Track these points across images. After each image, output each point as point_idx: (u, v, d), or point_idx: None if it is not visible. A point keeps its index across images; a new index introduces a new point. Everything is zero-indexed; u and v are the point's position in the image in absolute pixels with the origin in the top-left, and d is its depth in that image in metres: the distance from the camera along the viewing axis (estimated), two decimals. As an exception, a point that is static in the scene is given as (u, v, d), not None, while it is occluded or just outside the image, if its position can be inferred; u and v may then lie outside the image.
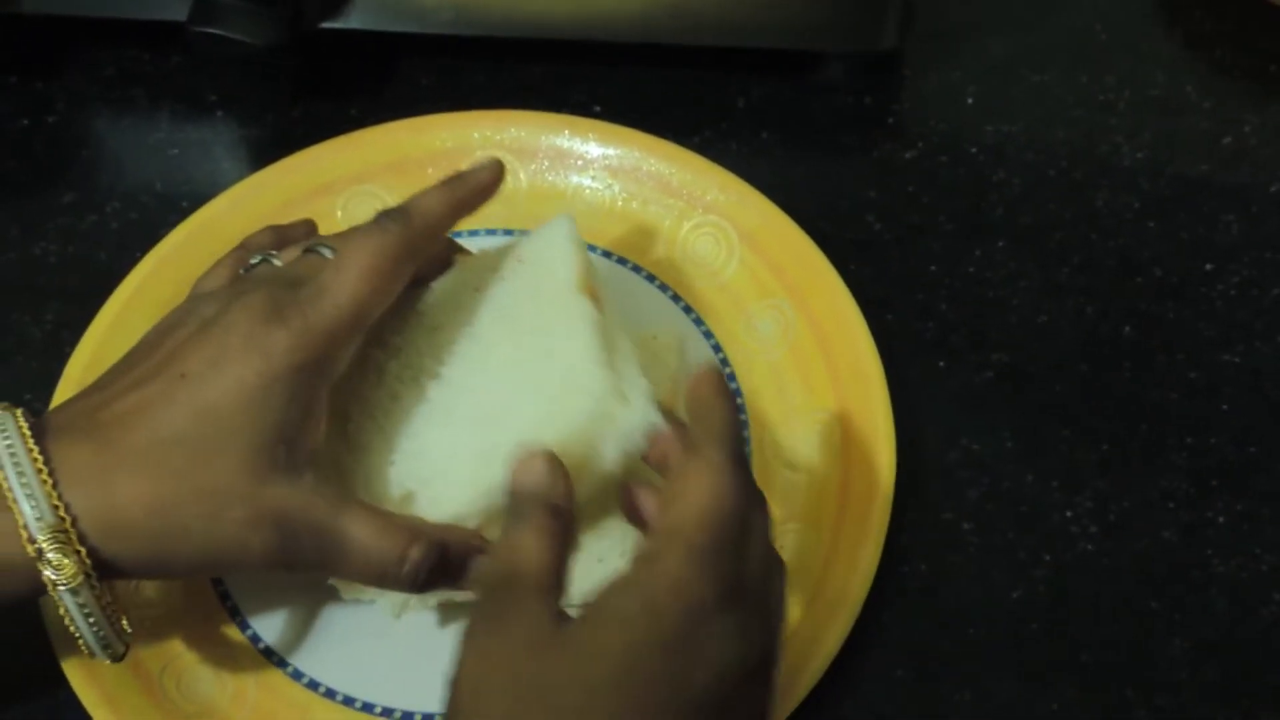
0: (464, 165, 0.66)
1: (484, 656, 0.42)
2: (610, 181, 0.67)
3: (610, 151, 0.67)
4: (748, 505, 0.45)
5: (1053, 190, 0.70)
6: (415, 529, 0.49)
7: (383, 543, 0.49)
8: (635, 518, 0.49)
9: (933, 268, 0.67)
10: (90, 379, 0.59)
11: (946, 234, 0.68)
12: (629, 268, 0.65)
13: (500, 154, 0.67)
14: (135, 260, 0.64)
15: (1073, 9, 0.77)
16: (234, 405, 0.47)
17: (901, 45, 0.72)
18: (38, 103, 0.73)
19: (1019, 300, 0.66)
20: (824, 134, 0.72)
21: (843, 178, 0.70)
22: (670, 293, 0.65)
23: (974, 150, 0.71)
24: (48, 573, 0.46)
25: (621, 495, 0.50)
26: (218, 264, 0.55)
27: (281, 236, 0.57)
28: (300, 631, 0.56)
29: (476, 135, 0.68)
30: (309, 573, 0.52)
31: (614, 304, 0.55)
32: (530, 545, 0.44)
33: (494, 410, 0.53)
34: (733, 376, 0.62)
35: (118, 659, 0.49)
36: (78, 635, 0.48)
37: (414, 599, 0.54)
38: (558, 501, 0.46)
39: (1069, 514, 0.59)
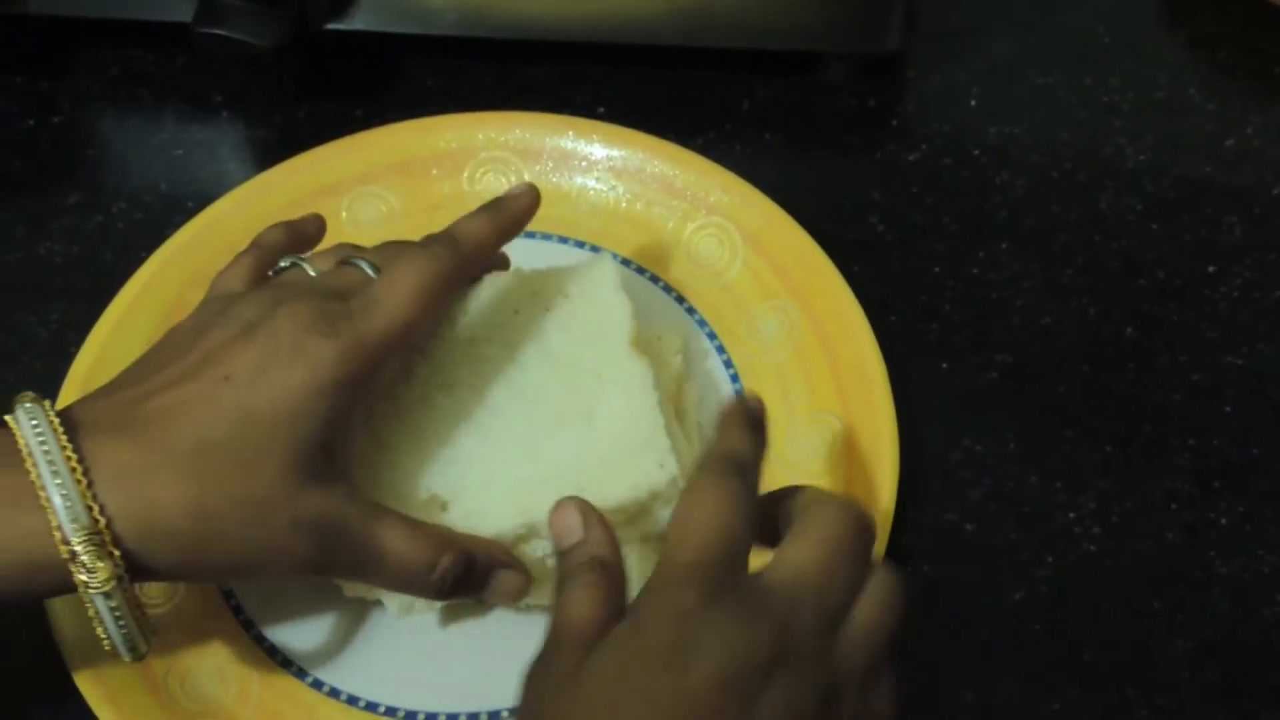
0: (468, 166, 0.68)
1: (528, 702, 0.43)
2: (614, 183, 0.67)
3: (614, 153, 0.68)
4: (741, 523, 0.43)
5: (1056, 192, 0.70)
6: (445, 538, 0.50)
7: (415, 551, 0.50)
8: None
9: (936, 269, 0.67)
10: (96, 379, 0.59)
11: (950, 235, 0.68)
12: (633, 269, 0.65)
13: (504, 155, 0.68)
14: (140, 260, 0.64)
15: (1076, 11, 0.77)
16: (278, 413, 0.47)
17: (905, 47, 0.72)
18: (43, 103, 0.73)
19: (1022, 301, 0.66)
20: (827, 135, 0.72)
21: (846, 179, 0.70)
22: (674, 294, 0.65)
23: (977, 152, 0.71)
24: (80, 575, 0.45)
25: None
26: (235, 262, 0.55)
27: (295, 233, 0.57)
28: (305, 631, 0.56)
29: (481, 136, 0.68)
30: (339, 579, 0.53)
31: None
32: (579, 602, 0.44)
33: (535, 440, 0.54)
34: (736, 377, 0.62)
35: (140, 658, 0.48)
36: (104, 636, 0.47)
37: (420, 601, 0.54)
38: (602, 554, 0.46)
39: (1071, 514, 0.59)
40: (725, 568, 0.42)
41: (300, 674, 0.55)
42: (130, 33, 0.73)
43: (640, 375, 0.55)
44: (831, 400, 0.60)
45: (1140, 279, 0.66)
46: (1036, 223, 0.68)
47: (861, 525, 0.44)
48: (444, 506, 0.53)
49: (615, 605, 0.44)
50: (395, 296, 0.50)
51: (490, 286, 0.58)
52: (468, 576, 0.51)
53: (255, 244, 0.56)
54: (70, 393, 0.60)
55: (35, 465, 0.45)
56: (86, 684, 0.52)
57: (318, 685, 0.55)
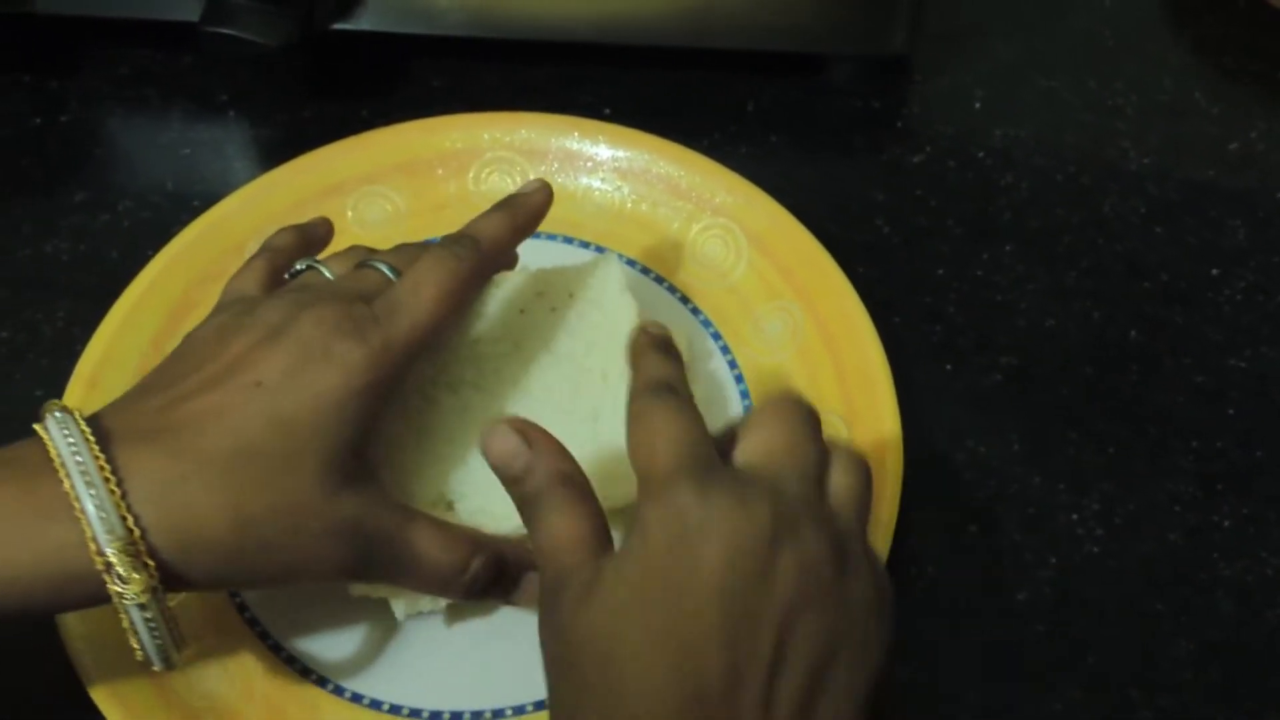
0: (474, 166, 0.68)
1: (553, 644, 0.43)
2: (619, 183, 0.68)
3: (620, 154, 0.68)
4: (697, 424, 0.44)
5: (1060, 194, 0.70)
6: (476, 540, 0.51)
7: (448, 554, 0.50)
8: None
9: (940, 270, 0.67)
10: (102, 376, 0.60)
11: (954, 237, 0.68)
12: (638, 269, 0.65)
13: (510, 155, 0.68)
14: (147, 259, 0.64)
15: (1081, 14, 0.77)
16: (311, 418, 0.47)
17: (910, 49, 0.72)
18: (51, 102, 0.73)
19: (1026, 303, 0.66)
20: (832, 137, 0.73)
21: (851, 181, 0.71)
22: (679, 294, 0.65)
23: (982, 154, 0.71)
24: (115, 586, 0.44)
25: None
26: (247, 266, 0.55)
27: (305, 236, 0.57)
28: (309, 629, 0.56)
29: (487, 137, 0.68)
30: (372, 583, 0.52)
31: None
32: (558, 524, 0.44)
33: None
34: (740, 378, 0.62)
35: (172, 668, 0.48)
36: (137, 647, 0.46)
37: (425, 601, 0.54)
38: (561, 467, 0.45)
39: (1075, 516, 0.59)
40: (702, 463, 0.42)
41: (304, 672, 0.55)
42: (138, 32, 0.73)
43: None
44: (836, 401, 0.60)
45: (1144, 282, 0.67)
46: (1041, 225, 0.69)
47: (802, 404, 0.45)
48: (450, 506, 0.53)
49: (595, 512, 0.44)
50: (420, 298, 0.50)
51: (496, 286, 0.58)
52: (499, 579, 0.51)
53: (266, 248, 0.56)
54: (76, 390, 0.60)
55: (68, 476, 0.44)
56: (90, 678, 0.52)
57: (322, 683, 0.55)
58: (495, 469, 0.45)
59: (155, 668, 0.47)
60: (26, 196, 0.70)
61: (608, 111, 0.72)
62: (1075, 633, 0.57)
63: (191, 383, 0.48)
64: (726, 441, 0.45)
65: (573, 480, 0.45)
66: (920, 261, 0.67)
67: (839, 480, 0.44)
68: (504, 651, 0.55)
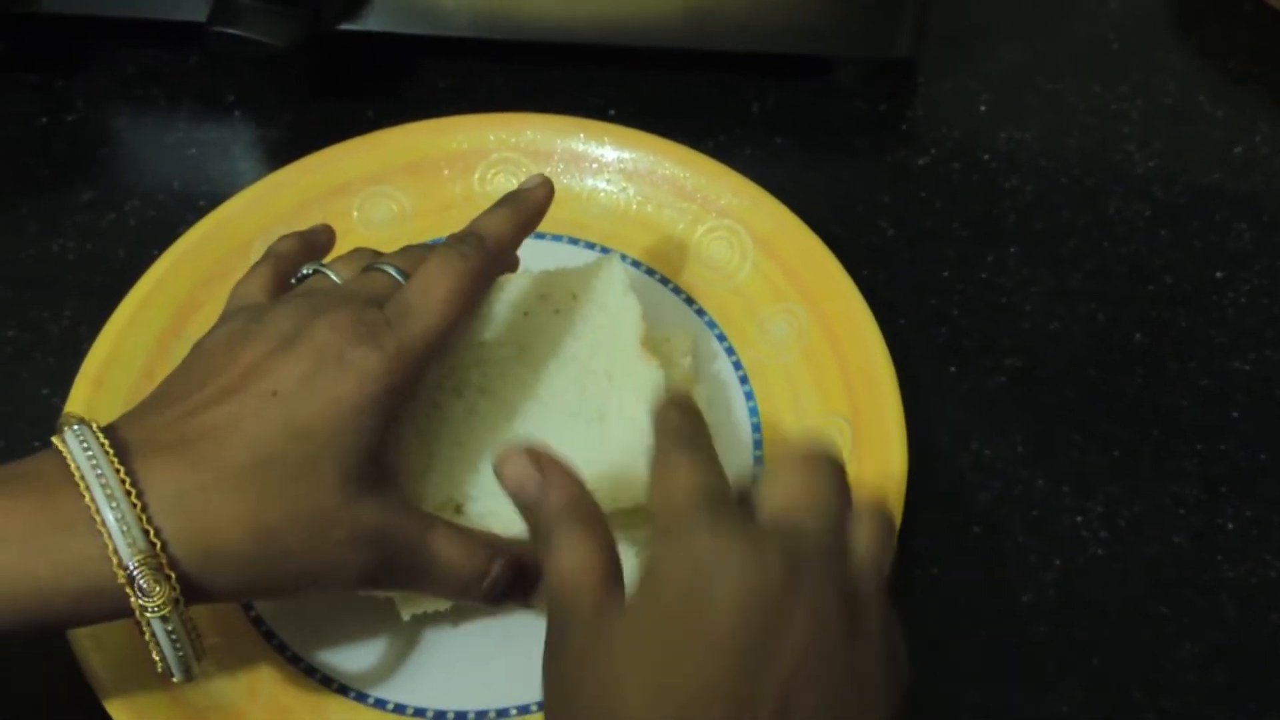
0: (479, 167, 0.68)
1: (556, 681, 0.43)
2: (625, 185, 0.68)
3: (625, 155, 0.68)
4: (717, 472, 0.44)
5: (1065, 197, 0.70)
6: (495, 546, 0.50)
7: (468, 559, 0.49)
8: None
9: (945, 273, 0.67)
10: (108, 375, 0.60)
11: (959, 239, 0.68)
12: (643, 271, 0.66)
13: (516, 156, 0.68)
14: (153, 258, 0.64)
15: (1086, 18, 0.77)
16: (329, 426, 0.47)
17: (915, 52, 0.72)
18: (57, 101, 0.73)
19: (1031, 306, 0.66)
20: (838, 139, 0.73)
21: (856, 183, 0.71)
22: (684, 296, 0.65)
23: (987, 157, 0.71)
24: (137, 599, 0.44)
25: None
26: (253, 272, 0.55)
27: (308, 243, 0.57)
28: (315, 628, 0.56)
29: (492, 138, 0.68)
30: (392, 590, 0.52)
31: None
32: (573, 552, 0.43)
33: (549, 442, 0.54)
34: (745, 379, 0.62)
35: (192, 679, 0.48)
36: (158, 659, 0.46)
37: (431, 600, 0.54)
38: (575, 493, 0.45)
39: (1079, 518, 0.60)
40: (719, 509, 0.42)
41: (310, 671, 0.55)
42: (144, 32, 0.73)
43: (651, 376, 0.55)
44: (841, 403, 0.60)
45: (1149, 284, 0.67)
46: (1045, 228, 0.69)
47: (828, 457, 0.44)
48: (458, 509, 0.53)
49: (607, 544, 0.44)
50: (431, 301, 0.50)
51: (499, 289, 0.58)
52: (518, 583, 0.50)
53: (269, 254, 0.56)
54: (82, 389, 0.60)
55: (89, 489, 0.44)
56: (97, 678, 0.52)
57: (327, 682, 0.55)
58: (509, 494, 0.45)
59: (175, 679, 0.47)
60: (33, 196, 0.70)
61: (613, 113, 0.72)
62: (1079, 634, 0.57)
63: (206, 393, 0.47)
64: (748, 492, 0.45)
65: (585, 509, 0.44)
66: (925, 263, 0.67)
67: (861, 540, 0.43)
68: (509, 651, 0.55)
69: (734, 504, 0.43)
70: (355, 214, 0.67)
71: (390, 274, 0.52)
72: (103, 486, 0.44)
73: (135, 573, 0.44)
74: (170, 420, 0.47)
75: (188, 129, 0.72)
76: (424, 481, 0.53)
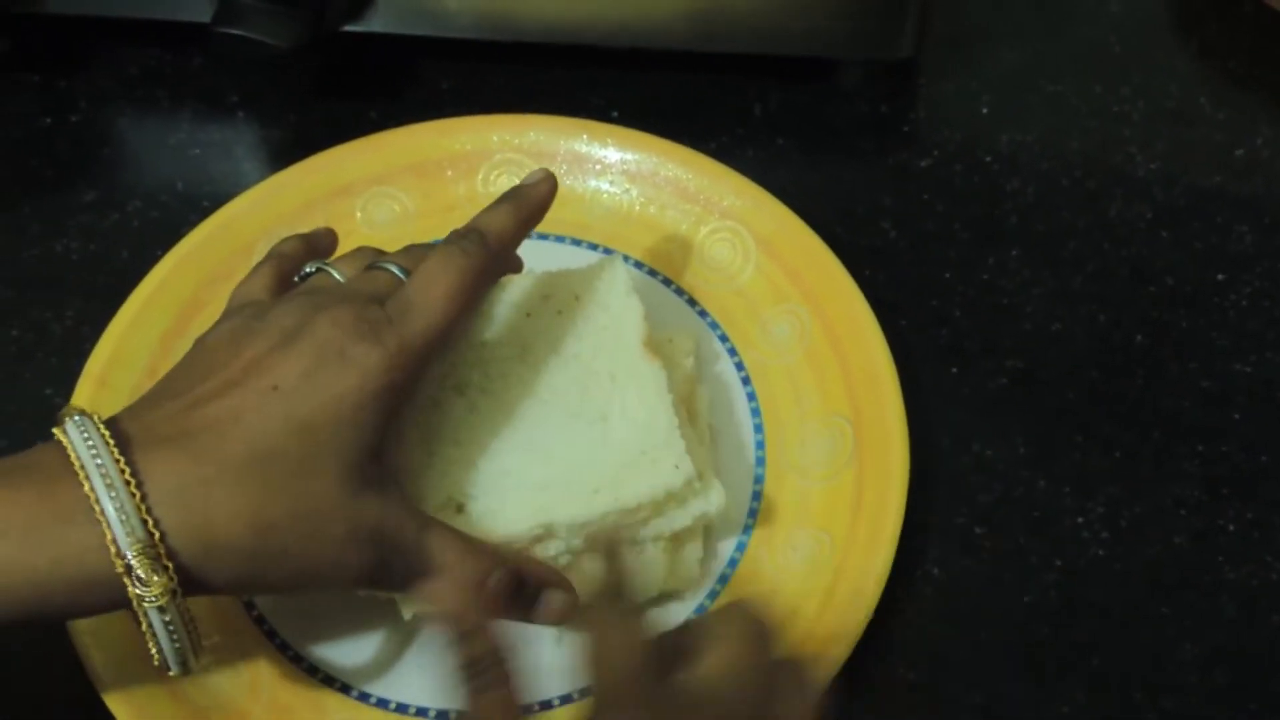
0: (483, 168, 0.68)
1: None
2: (628, 186, 0.68)
3: (628, 156, 0.68)
4: (647, 644, 0.43)
5: (1066, 199, 0.70)
6: (495, 555, 0.50)
7: (466, 566, 0.49)
8: None
9: (947, 274, 0.67)
10: (111, 376, 0.60)
11: (961, 241, 0.68)
12: (645, 271, 0.66)
13: (519, 157, 0.68)
14: (156, 259, 0.64)
15: (1088, 20, 0.77)
16: (330, 422, 0.47)
17: (918, 54, 0.72)
18: (61, 101, 0.73)
19: (1032, 307, 0.66)
20: (840, 141, 0.73)
21: (858, 184, 0.71)
22: (686, 297, 0.65)
23: (989, 158, 0.71)
24: (135, 589, 0.44)
25: None
26: (255, 272, 0.55)
27: (310, 245, 0.57)
28: (316, 626, 0.56)
29: (496, 139, 0.68)
30: (388, 591, 0.52)
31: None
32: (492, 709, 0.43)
33: (550, 442, 0.55)
34: (748, 380, 0.62)
35: (189, 673, 0.48)
36: (155, 651, 0.46)
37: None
38: (494, 647, 0.43)
39: (1080, 519, 0.60)
40: (648, 685, 0.42)
41: (311, 670, 0.55)
42: (148, 32, 0.73)
43: (654, 377, 0.55)
44: (842, 404, 0.60)
45: (1150, 286, 0.67)
46: (1047, 229, 0.69)
47: (758, 621, 0.44)
48: (460, 508, 0.53)
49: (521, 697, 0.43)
50: (432, 297, 0.50)
51: (502, 290, 0.58)
52: (517, 596, 0.50)
53: (272, 254, 0.56)
54: (85, 389, 0.60)
55: (88, 479, 0.44)
56: (100, 677, 0.53)
57: (329, 681, 0.55)
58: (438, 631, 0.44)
59: (172, 672, 0.47)
60: (36, 196, 0.70)
61: (616, 114, 0.72)
62: (1079, 635, 0.57)
63: (208, 387, 0.47)
64: (680, 639, 0.44)
65: (503, 663, 0.43)
66: (927, 265, 0.67)
67: (788, 710, 0.43)
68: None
69: (659, 676, 0.43)
70: (358, 214, 0.67)
71: (393, 272, 0.52)
72: (103, 477, 0.44)
73: (133, 562, 0.44)
74: (171, 413, 0.47)
75: (191, 129, 0.73)
76: (424, 480, 0.53)
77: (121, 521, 0.44)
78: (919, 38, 0.71)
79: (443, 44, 0.72)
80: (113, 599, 0.45)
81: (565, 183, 0.67)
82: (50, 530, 0.44)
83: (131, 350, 0.61)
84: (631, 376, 0.56)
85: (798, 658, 0.45)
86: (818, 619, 0.54)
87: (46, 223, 0.69)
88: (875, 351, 0.61)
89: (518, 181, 0.66)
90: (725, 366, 0.63)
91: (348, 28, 0.70)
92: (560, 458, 0.54)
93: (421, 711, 0.54)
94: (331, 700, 0.54)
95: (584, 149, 0.68)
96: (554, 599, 0.51)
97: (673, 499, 0.53)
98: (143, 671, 0.53)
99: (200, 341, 0.51)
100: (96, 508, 0.44)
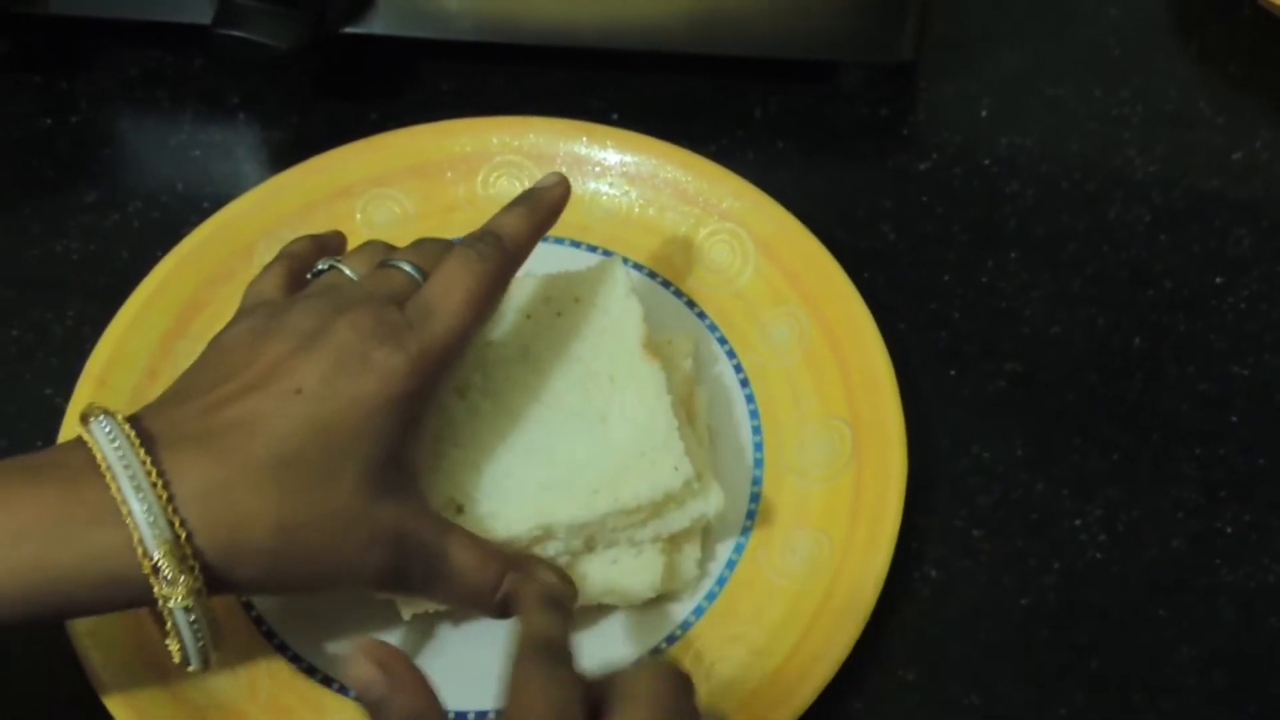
0: (482, 170, 0.68)
1: None
2: (627, 188, 0.68)
3: (628, 158, 0.68)
4: (575, 700, 0.42)
5: (1066, 202, 0.70)
6: (508, 559, 0.50)
7: (482, 570, 0.50)
8: None
9: (946, 277, 0.67)
10: (111, 376, 0.60)
11: (960, 244, 0.68)
12: (645, 273, 0.66)
13: (519, 159, 0.68)
14: (156, 259, 0.64)
15: (1087, 23, 0.78)
16: (351, 426, 0.47)
17: (917, 57, 0.72)
18: (62, 102, 0.74)
19: (1031, 310, 0.66)
20: (840, 143, 0.73)
21: (858, 187, 0.71)
22: (685, 299, 0.65)
23: (988, 161, 0.71)
24: (161, 589, 0.44)
25: None
26: (267, 270, 0.55)
27: (320, 245, 0.57)
28: (316, 628, 0.56)
29: (496, 140, 0.68)
30: (405, 594, 0.52)
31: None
32: None
33: (550, 443, 0.55)
34: (746, 382, 0.62)
35: (207, 668, 0.48)
36: (178, 649, 0.47)
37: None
38: (414, 703, 0.42)
39: (1079, 522, 0.60)
40: None
41: (311, 671, 0.55)
42: (149, 33, 0.73)
43: (653, 378, 0.55)
44: (841, 406, 0.60)
45: (1149, 289, 0.67)
46: (1046, 232, 0.69)
47: (677, 677, 0.44)
48: (460, 509, 0.54)
49: None
50: (452, 303, 0.50)
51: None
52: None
53: (283, 254, 0.56)
54: (85, 389, 0.60)
55: (115, 479, 0.44)
56: (99, 678, 0.53)
57: (328, 682, 0.55)
58: (355, 689, 0.43)
59: (192, 668, 0.47)
60: (36, 196, 0.70)
61: (616, 116, 0.72)
62: (1078, 637, 0.57)
63: (229, 388, 0.48)
64: (598, 692, 0.43)
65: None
66: (926, 268, 0.67)
67: None
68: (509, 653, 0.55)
69: None
70: (359, 216, 0.67)
71: (407, 271, 0.52)
72: (130, 477, 0.44)
73: (160, 563, 0.44)
74: (193, 413, 0.47)
75: (191, 131, 0.73)
76: (426, 481, 0.54)
77: (150, 522, 0.44)
78: (919, 41, 0.71)
79: (443, 46, 0.72)
80: (138, 598, 0.45)
81: (565, 185, 0.67)
82: (76, 530, 0.44)
83: (131, 351, 0.62)
84: (631, 378, 0.56)
85: (714, 717, 0.45)
86: (816, 620, 0.54)
87: (47, 223, 0.69)
88: (874, 354, 0.61)
89: (518, 183, 0.67)
90: (724, 368, 0.63)
91: (348, 29, 0.70)
92: (560, 459, 0.54)
93: (420, 712, 0.54)
94: (331, 700, 0.54)
95: (584, 151, 0.68)
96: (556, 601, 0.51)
97: (671, 500, 0.53)
98: (142, 672, 0.53)
99: (216, 341, 0.51)
100: (124, 508, 0.44)
